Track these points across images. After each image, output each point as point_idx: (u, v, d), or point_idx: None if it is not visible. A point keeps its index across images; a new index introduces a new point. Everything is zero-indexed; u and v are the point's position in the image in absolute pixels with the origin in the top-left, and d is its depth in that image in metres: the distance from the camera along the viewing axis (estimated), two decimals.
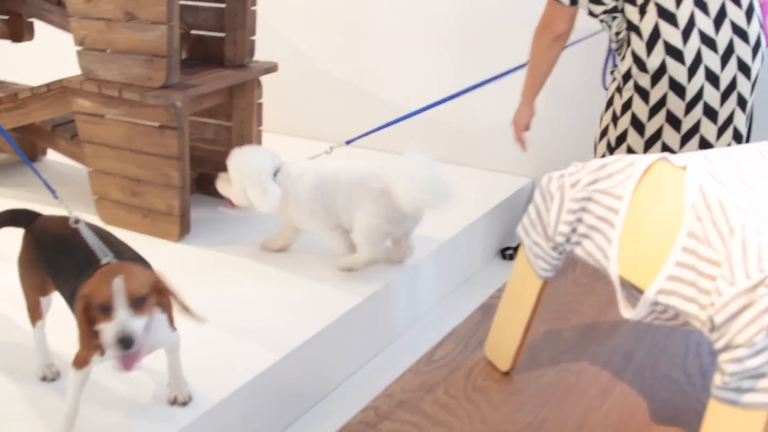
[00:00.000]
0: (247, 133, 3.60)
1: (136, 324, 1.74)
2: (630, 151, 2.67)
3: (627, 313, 1.34)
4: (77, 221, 2.06)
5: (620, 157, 1.41)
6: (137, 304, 1.75)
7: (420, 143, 4.46)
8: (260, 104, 3.61)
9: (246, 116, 3.59)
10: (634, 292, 1.33)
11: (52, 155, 4.56)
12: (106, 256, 1.91)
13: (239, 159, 3.08)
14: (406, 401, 1.54)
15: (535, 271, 1.52)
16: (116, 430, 2.18)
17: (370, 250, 2.99)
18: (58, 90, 3.57)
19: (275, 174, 3.06)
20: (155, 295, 1.84)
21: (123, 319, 1.73)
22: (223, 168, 3.73)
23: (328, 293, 2.93)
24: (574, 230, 1.44)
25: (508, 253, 3.93)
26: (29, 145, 4.47)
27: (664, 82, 2.55)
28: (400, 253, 3.18)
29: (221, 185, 3.17)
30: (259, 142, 3.66)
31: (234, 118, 3.62)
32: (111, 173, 3.41)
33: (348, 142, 3.30)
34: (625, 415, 1.47)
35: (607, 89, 3.25)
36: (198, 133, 3.73)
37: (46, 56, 5.25)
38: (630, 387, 1.56)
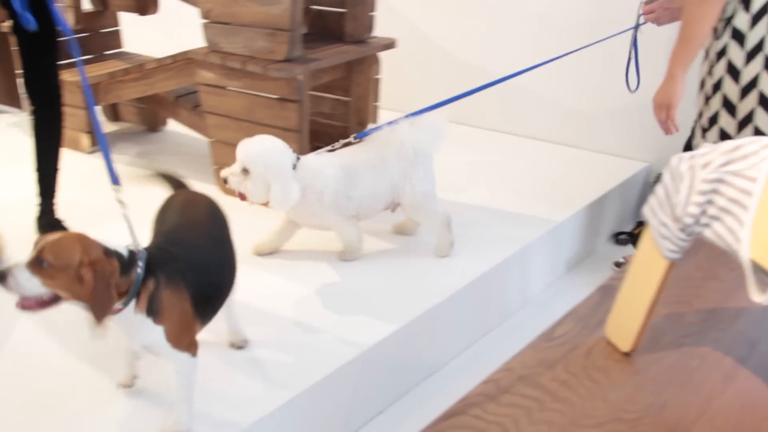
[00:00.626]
0: (364, 109, 3.64)
1: (20, 272, 1.74)
2: (723, 134, 2.56)
3: (758, 297, 1.31)
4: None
5: (755, 139, 1.38)
6: (37, 263, 1.75)
7: (532, 124, 4.46)
8: (378, 80, 3.64)
9: (363, 92, 3.62)
10: (765, 277, 1.30)
11: (172, 125, 4.71)
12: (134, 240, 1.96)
13: (261, 151, 2.77)
14: (527, 376, 1.54)
15: (661, 252, 1.49)
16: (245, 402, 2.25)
17: (440, 212, 3.01)
18: (183, 61, 3.68)
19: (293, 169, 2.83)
20: (71, 274, 1.76)
21: (11, 263, 1.76)
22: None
23: (445, 268, 2.94)
24: (704, 212, 1.41)
25: (621, 237, 3.87)
26: (152, 115, 4.63)
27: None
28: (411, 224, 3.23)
29: (233, 180, 2.79)
30: (375, 117, 3.70)
31: (351, 93, 3.66)
32: (231, 144, 3.48)
33: (358, 137, 3.01)
34: (748, 402, 1.44)
35: (630, 89, 3.19)
36: (315, 107, 3.78)
37: (170, 29, 5.41)
38: (754, 374, 1.52)
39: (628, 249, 3.76)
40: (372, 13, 3.62)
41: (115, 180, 2.14)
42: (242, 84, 3.35)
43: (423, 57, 4.79)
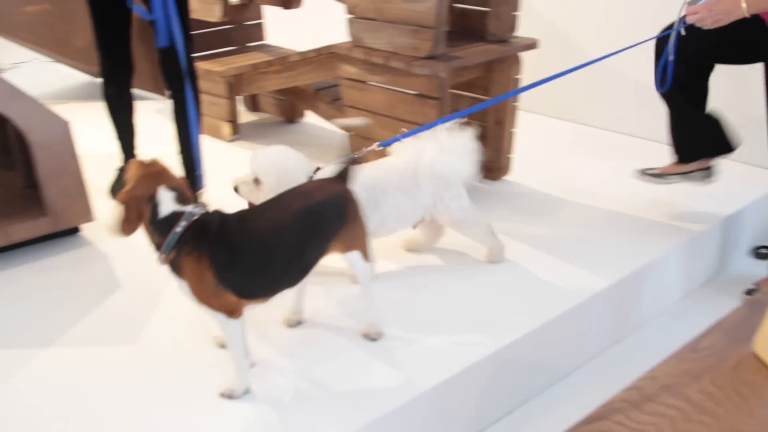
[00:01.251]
0: (503, 109, 3.62)
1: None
2: None
3: None
4: None
5: None
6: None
7: (655, 125, 4.34)
8: (518, 80, 3.62)
9: (503, 91, 3.60)
10: None
11: (309, 117, 4.80)
12: None
13: (275, 163, 2.68)
14: (671, 386, 1.51)
15: None
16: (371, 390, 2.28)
17: (480, 222, 2.94)
18: (326, 55, 3.75)
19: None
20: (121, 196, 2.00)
21: None
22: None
23: (578, 274, 2.91)
24: None
25: (762, 251, 3.74)
26: (290, 107, 4.73)
27: None
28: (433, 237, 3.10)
29: (244, 189, 2.72)
30: (513, 117, 3.67)
31: (491, 92, 3.65)
32: (369, 138, 3.54)
33: (382, 145, 2.83)
34: None
35: (660, 92, 3.13)
36: (453, 104, 3.79)
37: (310, 23, 5.52)
38: None
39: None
40: (515, 13, 3.60)
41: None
42: (384, 79, 3.39)
43: (563, 58, 4.73)
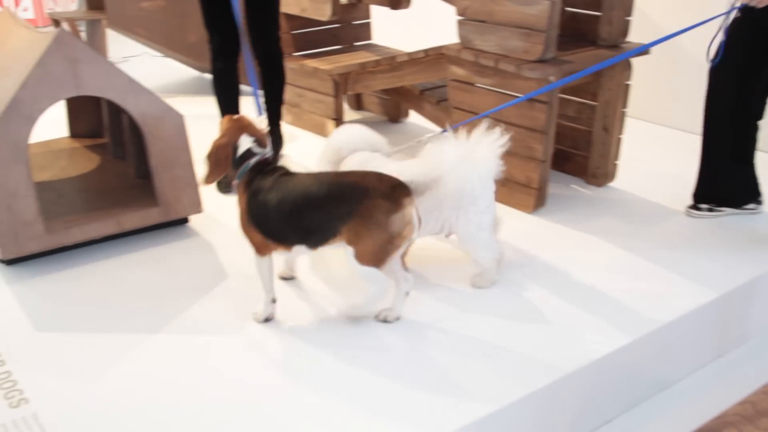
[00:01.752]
0: (611, 114, 3.57)
1: None
2: None
3: None
4: None
5: None
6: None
7: None
8: (628, 86, 3.56)
9: (612, 97, 3.55)
10: None
11: (413, 117, 4.82)
12: None
13: (332, 133, 3.01)
14: None
15: None
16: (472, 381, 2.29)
17: (493, 247, 2.80)
18: (435, 56, 3.76)
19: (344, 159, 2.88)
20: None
21: None
22: (581, 146, 3.75)
23: (684, 285, 2.85)
24: None
25: None
26: (394, 106, 4.76)
27: None
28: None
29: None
30: (621, 124, 3.62)
31: (599, 97, 3.60)
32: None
33: (453, 127, 2.93)
34: None
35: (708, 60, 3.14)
36: (560, 108, 3.75)
37: (418, 24, 5.54)
38: None
39: None
40: (628, 18, 3.55)
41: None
42: (492, 82, 3.38)
43: (674, 65, 4.64)
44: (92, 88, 2.98)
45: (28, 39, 3.23)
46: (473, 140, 2.65)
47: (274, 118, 3.97)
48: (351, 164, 2.86)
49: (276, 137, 3.95)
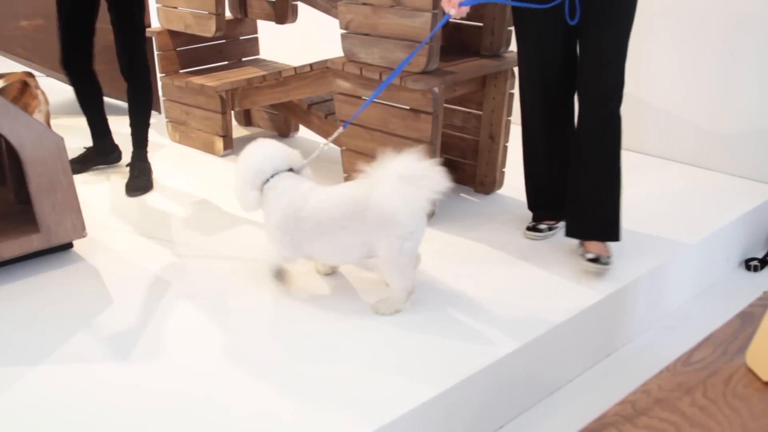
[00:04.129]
0: (497, 123, 3.62)
1: None
2: None
3: None
4: None
5: None
6: None
7: (661, 143, 4.35)
8: (512, 94, 3.62)
9: (497, 106, 3.61)
10: None
11: (303, 132, 4.80)
12: None
13: (244, 152, 2.84)
14: (664, 399, 1.52)
15: None
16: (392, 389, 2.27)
17: (410, 278, 2.71)
18: (320, 70, 3.75)
19: (268, 179, 2.78)
20: None
21: None
22: (469, 155, 3.79)
23: (569, 287, 2.90)
24: None
25: (752, 264, 3.74)
26: (283, 121, 4.73)
27: None
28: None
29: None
30: (507, 132, 3.67)
31: (484, 107, 3.65)
32: (363, 153, 3.54)
33: (346, 125, 3.01)
34: None
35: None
36: (446, 119, 3.79)
37: (305, 38, 5.53)
38: None
39: (759, 276, 3.63)
40: (510, 28, 3.61)
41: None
42: (380, 94, 3.39)
43: None
44: None
45: None
46: (410, 164, 2.51)
47: (139, 141, 3.97)
48: (277, 189, 2.75)
49: (140, 163, 3.95)
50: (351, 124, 3.51)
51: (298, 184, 2.76)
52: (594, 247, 3.02)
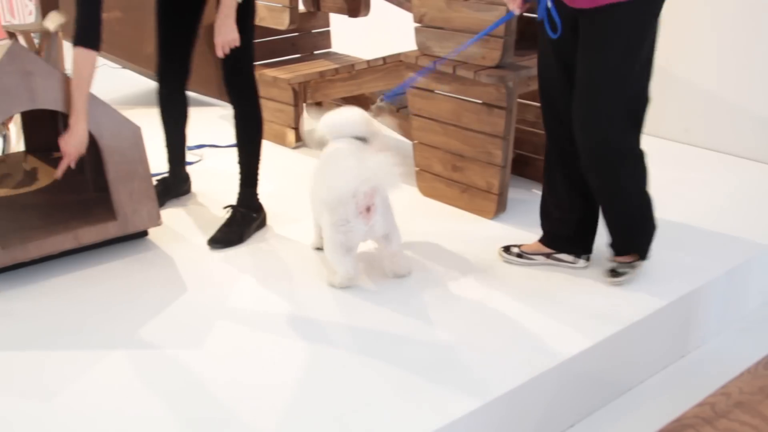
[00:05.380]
0: None
1: None
2: None
3: None
4: None
5: None
6: None
7: (740, 141, 4.26)
8: None
9: None
10: None
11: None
12: None
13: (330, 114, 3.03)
14: (745, 402, 1.49)
15: None
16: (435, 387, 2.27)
17: (335, 266, 2.84)
18: (393, 64, 3.76)
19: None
20: None
21: None
22: (541, 151, 3.76)
23: (643, 286, 2.86)
24: None
25: None
26: None
27: None
28: (390, 265, 2.94)
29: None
30: None
31: None
32: (435, 147, 3.54)
33: (386, 98, 3.05)
34: None
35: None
36: (520, 114, 3.76)
37: (377, 31, 5.53)
38: None
39: None
40: None
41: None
42: (451, 88, 3.38)
43: None
44: (47, 101, 2.93)
45: None
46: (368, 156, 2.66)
47: (246, 178, 3.40)
48: (327, 151, 2.93)
49: (242, 209, 3.39)
50: (424, 118, 3.52)
51: (345, 150, 2.86)
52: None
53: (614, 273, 2.87)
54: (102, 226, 3.11)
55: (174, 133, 3.64)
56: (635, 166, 2.75)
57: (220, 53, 3.01)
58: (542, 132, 3.67)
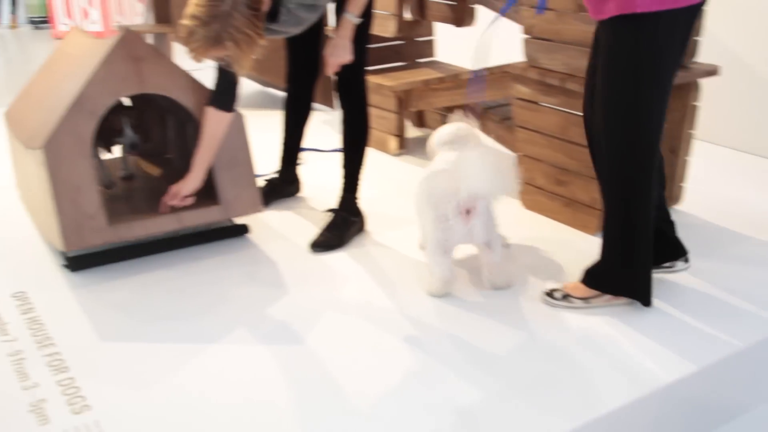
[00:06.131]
0: (678, 136, 3.52)
1: None
2: None
3: None
4: None
5: None
6: None
7: None
8: (695, 107, 3.50)
9: (679, 118, 3.50)
10: None
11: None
12: None
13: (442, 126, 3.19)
14: None
15: None
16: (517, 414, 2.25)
17: (431, 266, 2.86)
18: (499, 74, 3.74)
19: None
20: None
21: None
22: None
23: (751, 311, 2.78)
24: None
25: None
26: None
27: None
28: (488, 275, 2.92)
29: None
30: (688, 145, 3.56)
31: (667, 118, 3.54)
32: (540, 160, 3.51)
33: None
34: None
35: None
36: None
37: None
38: None
39: None
40: (696, 38, 3.49)
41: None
42: (558, 101, 3.35)
43: (744, 86, 4.56)
44: (155, 86, 3.06)
45: (95, 45, 3.29)
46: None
47: (348, 184, 3.44)
48: (438, 160, 3.04)
49: (343, 213, 3.43)
50: (529, 130, 3.50)
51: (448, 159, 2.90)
52: (571, 285, 2.84)
53: (551, 295, 2.83)
54: (205, 210, 3.20)
55: (293, 133, 3.75)
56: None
57: (330, 72, 3.12)
58: None
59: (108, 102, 2.97)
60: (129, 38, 3.00)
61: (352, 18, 3.04)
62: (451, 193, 2.69)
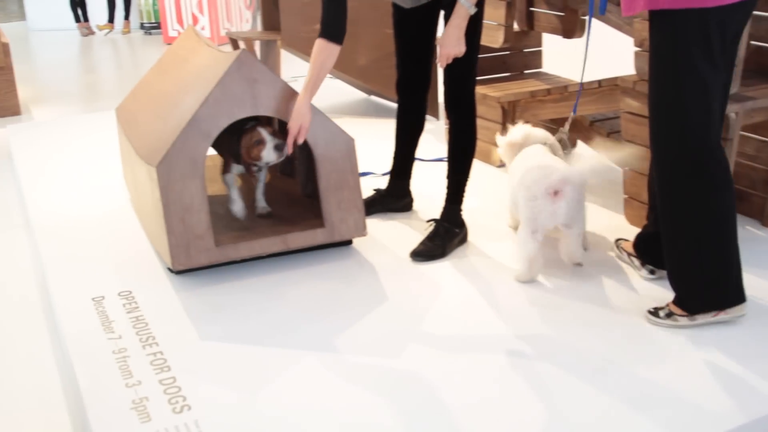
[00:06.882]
0: None
1: None
2: None
3: None
4: None
5: None
6: None
7: None
8: None
9: None
10: None
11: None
12: None
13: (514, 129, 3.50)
14: None
15: None
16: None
17: (519, 247, 3.07)
18: (608, 87, 3.68)
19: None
20: None
21: None
22: (759, 186, 3.58)
23: None
24: None
25: None
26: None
27: None
28: (565, 248, 3.15)
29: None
30: None
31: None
32: (646, 175, 3.43)
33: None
34: None
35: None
36: (739, 146, 3.59)
37: (591, 54, 5.43)
38: None
39: None
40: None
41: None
42: None
43: None
44: (268, 108, 3.09)
45: (211, 57, 3.37)
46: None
47: (451, 195, 3.43)
48: (523, 154, 3.31)
49: (445, 224, 3.40)
50: (638, 144, 3.43)
51: (539, 153, 3.24)
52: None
53: (654, 313, 2.77)
54: (310, 233, 3.23)
55: (406, 145, 3.72)
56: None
57: (443, 63, 3.08)
58: (762, 167, 3.53)
59: (222, 124, 3.03)
60: (245, 59, 3.04)
61: (468, 5, 3.00)
62: (542, 175, 2.96)
